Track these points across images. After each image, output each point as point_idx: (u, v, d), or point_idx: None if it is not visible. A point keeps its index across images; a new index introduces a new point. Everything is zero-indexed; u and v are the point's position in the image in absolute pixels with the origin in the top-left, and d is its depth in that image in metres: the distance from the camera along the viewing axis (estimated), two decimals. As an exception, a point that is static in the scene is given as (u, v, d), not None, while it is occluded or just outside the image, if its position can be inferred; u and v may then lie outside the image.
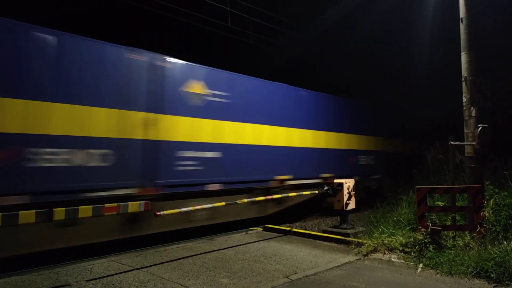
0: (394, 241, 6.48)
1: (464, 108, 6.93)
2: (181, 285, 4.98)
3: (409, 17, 15.98)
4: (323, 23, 16.91)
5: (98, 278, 5.23)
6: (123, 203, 6.58)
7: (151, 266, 5.79)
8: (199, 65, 8.20)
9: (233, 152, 8.60)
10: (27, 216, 5.56)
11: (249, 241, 7.50)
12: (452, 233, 6.48)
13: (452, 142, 6.88)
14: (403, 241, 6.36)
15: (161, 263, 5.96)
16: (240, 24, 12.00)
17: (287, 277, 5.25)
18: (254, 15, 12.19)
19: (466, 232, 6.37)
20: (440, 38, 15.14)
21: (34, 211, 5.64)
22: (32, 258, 6.13)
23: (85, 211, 6.12)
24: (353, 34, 17.93)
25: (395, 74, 18.77)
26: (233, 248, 6.95)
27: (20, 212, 5.49)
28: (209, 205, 7.05)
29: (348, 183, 8.00)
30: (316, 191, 8.74)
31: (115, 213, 6.47)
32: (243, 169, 8.76)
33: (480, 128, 6.53)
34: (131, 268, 5.65)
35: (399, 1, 14.73)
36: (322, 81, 15.64)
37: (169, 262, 6.00)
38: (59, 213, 5.87)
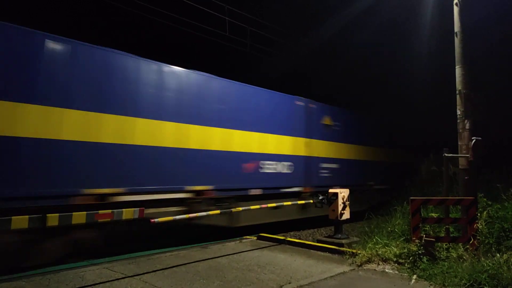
0: (388, 251, 6.48)
1: (458, 121, 7.02)
2: (174, 293, 4.93)
3: (404, 30, 16.24)
4: (320, 35, 17.14)
5: (90, 285, 5.16)
6: (117, 210, 6.53)
7: (144, 274, 5.74)
8: None
9: None
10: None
11: (243, 250, 7.47)
12: (446, 244, 6.50)
13: (446, 154, 6.94)
14: (397, 252, 6.36)
15: (154, 271, 5.91)
16: (238, 33, 12.13)
17: (281, 286, 5.22)
18: (252, 25, 12.33)
19: (460, 244, 6.39)
20: (436, 50, 15.39)
21: (28, 216, 5.60)
22: (23, 263, 6.05)
23: (78, 217, 6.07)
24: (349, 46, 18.19)
25: (390, 85, 19.00)
26: (227, 256, 6.91)
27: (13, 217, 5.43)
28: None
29: (343, 193, 8.02)
30: (311, 201, 8.75)
31: (109, 219, 6.42)
32: None
33: (474, 141, 6.61)
34: (123, 276, 5.59)
35: (396, 14, 15.00)
36: (320, 91, 15.77)
37: (162, 270, 5.95)
38: (52, 219, 5.82)
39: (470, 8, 7.13)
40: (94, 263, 6.35)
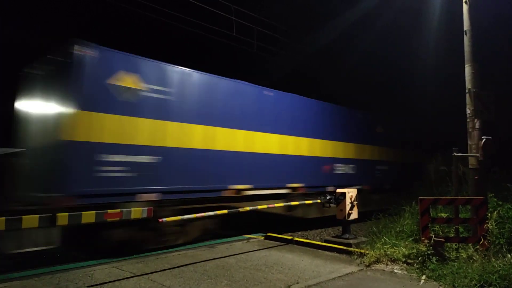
0: (397, 252, 6.43)
1: (468, 120, 6.94)
2: (183, 292, 4.95)
3: (412, 27, 16.10)
4: (326, 35, 17.08)
5: (99, 284, 5.21)
6: (125, 209, 6.56)
7: (152, 273, 5.77)
8: None
9: None
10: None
11: (251, 250, 7.47)
12: (455, 245, 6.43)
13: (456, 154, 6.87)
14: (406, 252, 6.31)
15: (162, 270, 5.94)
16: (245, 33, 12.12)
17: (288, 286, 5.21)
18: (258, 25, 12.31)
19: (470, 244, 6.33)
20: (444, 48, 15.24)
21: (38, 216, 5.64)
22: (33, 261, 6.13)
23: (88, 216, 6.11)
24: (356, 45, 18.09)
25: (398, 83, 18.88)
26: (235, 256, 6.92)
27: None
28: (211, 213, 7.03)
29: (351, 193, 7.98)
30: (319, 200, 8.71)
31: (118, 218, 6.45)
32: None
33: (483, 140, 6.53)
34: (132, 275, 5.63)
35: (403, 12, 14.88)
36: (324, 92, 15.70)
37: (171, 270, 5.97)
38: (62, 218, 5.86)
39: (480, 7, 7.06)
40: (103, 262, 6.40)
